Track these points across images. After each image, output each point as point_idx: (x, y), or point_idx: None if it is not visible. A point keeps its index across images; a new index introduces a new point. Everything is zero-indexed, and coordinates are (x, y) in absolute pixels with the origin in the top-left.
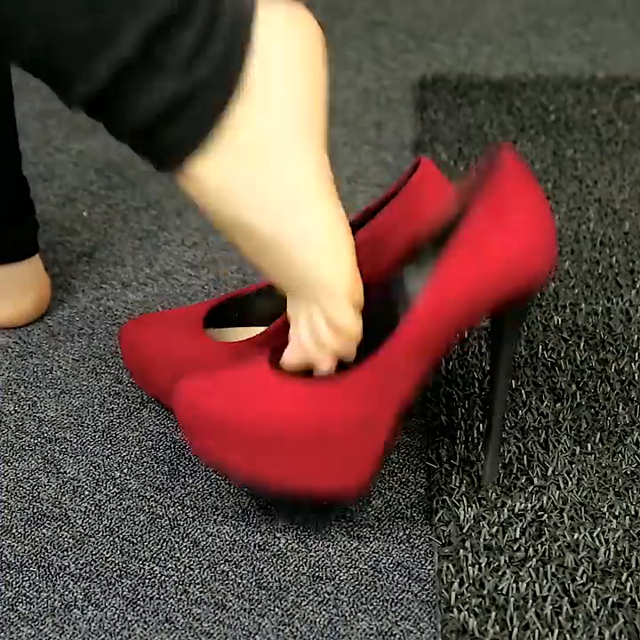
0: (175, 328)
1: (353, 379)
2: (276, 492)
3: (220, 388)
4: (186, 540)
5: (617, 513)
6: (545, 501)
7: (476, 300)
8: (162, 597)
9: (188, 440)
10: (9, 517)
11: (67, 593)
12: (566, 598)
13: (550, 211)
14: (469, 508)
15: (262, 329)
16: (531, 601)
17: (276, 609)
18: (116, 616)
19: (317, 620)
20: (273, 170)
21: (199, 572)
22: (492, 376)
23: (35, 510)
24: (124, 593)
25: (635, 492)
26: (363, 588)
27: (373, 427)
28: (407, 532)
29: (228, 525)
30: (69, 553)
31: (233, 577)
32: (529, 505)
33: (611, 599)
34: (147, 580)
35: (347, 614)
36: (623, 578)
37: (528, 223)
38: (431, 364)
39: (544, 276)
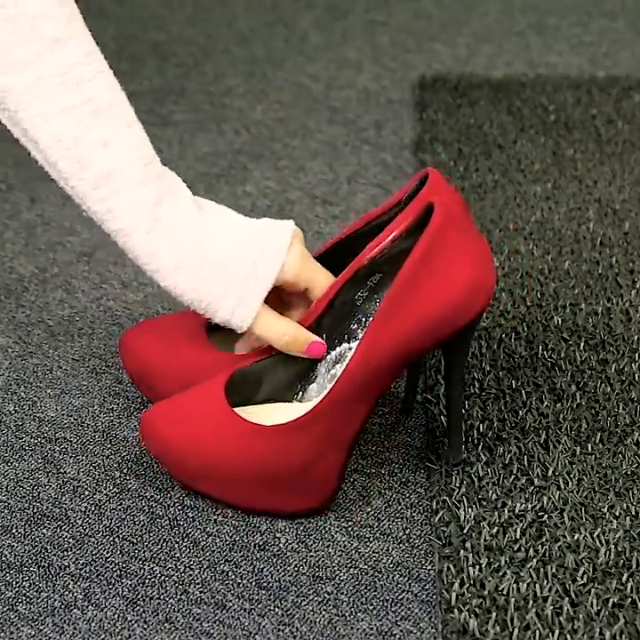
0: (177, 335)
1: (297, 428)
2: (249, 511)
3: (182, 423)
4: (186, 540)
5: (617, 513)
6: (545, 502)
7: (407, 344)
8: (162, 597)
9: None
10: (9, 517)
11: (67, 593)
12: (567, 599)
13: (488, 248)
14: (470, 509)
15: None
16: (531, 601)
17: (276, 609)
18: (116, 616)
19: (317, 619)
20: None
21: (199, 572)
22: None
23: (35, 510)
24: (124, 593)
25: (635, 492)
26: (363, 588)
27: (323, 464)
28: (407, 532)
29: (227, 525)
30: (69, 553)
31: (233, 577)
32: (529, 505)
33: (611, 600)
34: (147, 580)
35: (347, 614)
36: (624, 578)
37: (469, 267)
38: (374, 403)
39: (478, 311)
